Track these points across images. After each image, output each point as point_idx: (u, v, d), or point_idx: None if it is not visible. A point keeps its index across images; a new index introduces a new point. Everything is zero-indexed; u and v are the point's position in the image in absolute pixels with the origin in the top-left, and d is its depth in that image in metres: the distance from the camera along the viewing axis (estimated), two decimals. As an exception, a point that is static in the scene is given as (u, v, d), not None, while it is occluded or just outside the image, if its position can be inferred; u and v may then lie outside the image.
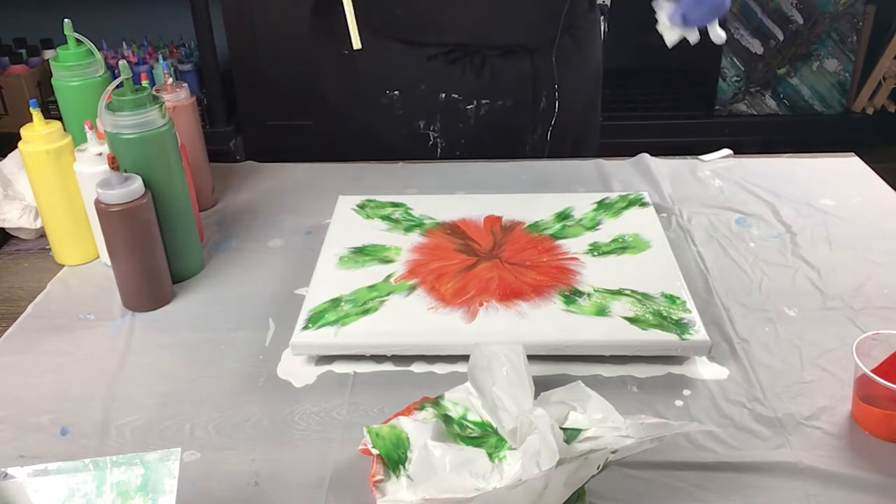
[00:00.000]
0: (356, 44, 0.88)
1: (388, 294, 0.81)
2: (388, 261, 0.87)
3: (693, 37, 0.98)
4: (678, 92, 2.51)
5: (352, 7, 0.87)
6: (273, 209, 1.05)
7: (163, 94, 0.94)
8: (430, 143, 1.16)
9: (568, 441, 0.58)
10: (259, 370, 0.76)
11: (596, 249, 0.89)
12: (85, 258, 0.94)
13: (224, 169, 1.15)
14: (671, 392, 0.73)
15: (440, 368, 0.76)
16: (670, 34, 0.97)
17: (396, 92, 1.14)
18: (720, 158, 1.17)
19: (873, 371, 0.67)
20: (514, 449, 0.60)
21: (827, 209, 1.03)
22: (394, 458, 0.59)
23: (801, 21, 2.30)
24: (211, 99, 2.33)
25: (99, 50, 0.92)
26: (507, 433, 0.61)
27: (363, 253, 0.89)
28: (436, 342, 0.76)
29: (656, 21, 0.97)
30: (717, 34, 0.99)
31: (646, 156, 1.15)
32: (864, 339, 0.69)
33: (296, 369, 0.76)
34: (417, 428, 0.61)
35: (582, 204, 0.98)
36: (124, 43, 2.39)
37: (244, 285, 0.89)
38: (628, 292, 0.81)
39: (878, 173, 1.12)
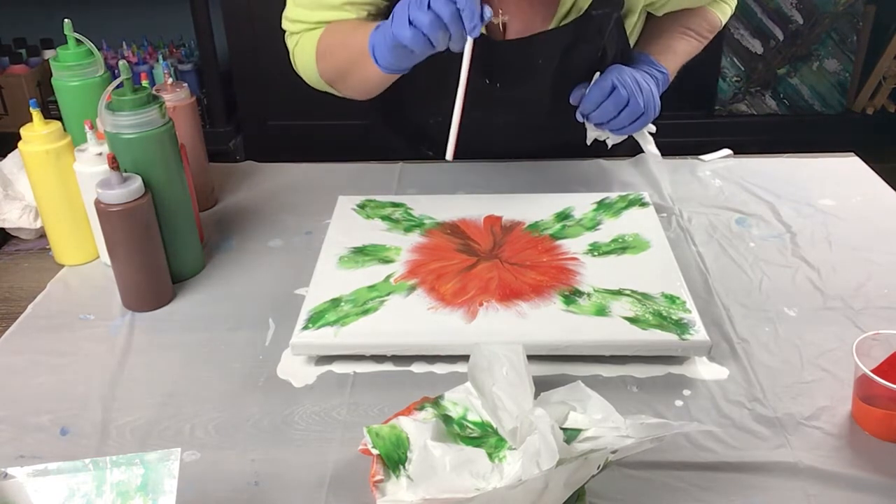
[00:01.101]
0: (449, 155, 0.90)
1: (388, 294, 0.81)
2: (388, 261, 0.87)
3: (610, 141, 1.05)
4: (678, 92, 2.50)
5: (459, 119, 0.89)
6: (273, 209, 1.05)
7: (163, 94, 0.94)
8: None
9: (568, 441, 0.58)
10: (259, 370, 0.76)
11: (596, 249, 0.89)
12: (85, 258, 0.94)
13: (224, 169, 1.15)
14: (671, 392, 0.73)
15: (440, 368, 0.76)
16: (589, 132, 1.04)
17: (430, 152, 1.18)
18: (720, 158, 1.17)
19: (873, 371, 0.67)
20: (514, 449, 0.60)
21: (827, 209, 1.03)
22: (394, 458, 0.59)
23: (801, 21, 2.30)
24: (211, 99, 2.33)
25: (99, 50, 0.92)
26: (507, 433, 0.61)
27: (363, 253, 0.89)
28: (436, 342, 0.75)
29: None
30: (651, 151, 1.06)
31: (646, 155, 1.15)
32: (864, 339, 0.69)
33: (296, 369, 0.76)
34: (417, 428, 0.61)
35: (582, 204, 0.98)
36: (124, 43, 2.39)
37: (244, 285, 0.89)
38: (628, 292, 0.81)
39: (878, 173, 1.12)
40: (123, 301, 0.85)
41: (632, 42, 1.07)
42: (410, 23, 0.82)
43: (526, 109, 1.09)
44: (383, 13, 1.04)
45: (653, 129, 1.07)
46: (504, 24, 0.99)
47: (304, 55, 1.05)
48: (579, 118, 1.02)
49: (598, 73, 0.99)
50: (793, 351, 0.77)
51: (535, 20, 0.99)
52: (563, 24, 0.99)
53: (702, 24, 1.12)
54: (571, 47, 0.99)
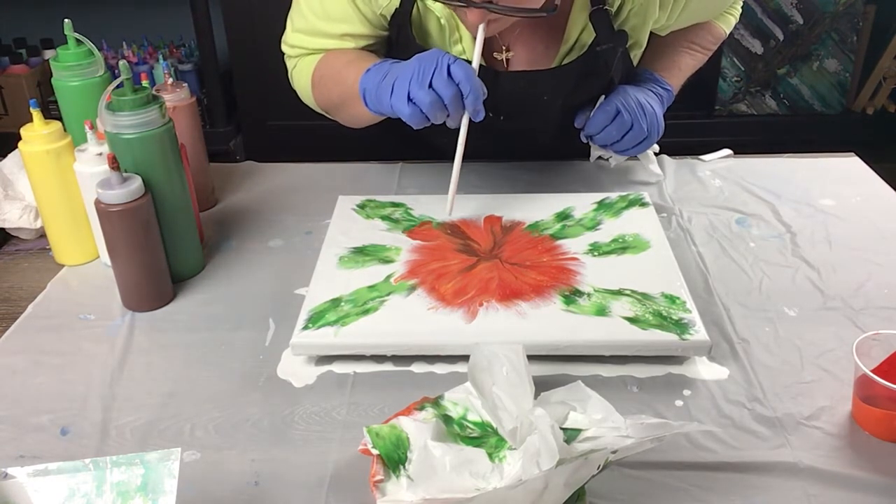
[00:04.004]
0: (448, 211, 0.94)
1: (388, 294, 0.81)
2: (388, 261, 0.87)
3: (613, 161, 1.08)
4: (678, 92, 2.50)
5: (457, 177, 0.92)
6: (273, 209, 1.05)
7: (163, 94, 0.94)
8: None
9: (568, 441, 0.58)
10: (259, 370, 0.76)
11: (596, 249, 0.89)
12: (85, 258, 0.94)
13: (224, 169, 1.16)
14: (671, 392, 0.73)
15: (440, 368, 0.76)
16: (593, 151, 1.07)
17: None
18: (720, 158, 1.17)
19: (873, 371, 0.67)
20: (514, 449, 0.60)
21: (827, 209, 1.03)
22: (394, 458, 0.59)
23: (801, 21, 2.30)
24: (211, 99, 2.33)
25: (99, 50, 0.92)
26: (507, 433, 0.61)
27: (363, 253, 0.89)
28: (436, 342, 0.75)
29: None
30: (653, 170, 1.10)
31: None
32: (864, 339, 0.69)
33: (296, 369, 0.76)
34: (417, 428, 0.61)
35: (582, 204, 0.98)
36: (124, 43, 2.39)
37: (244, 285, 0.89)
38: (628, 292, 0.81)
39: (878, 173, 1.12)
40: (123, 301, 0.85)
41: (636, 61, 1.06)
42: (410, 99, 0.82)
43: (530, 140, 1.09)
44: (383, 45, 1.03)
45: (656, 148, 1.09)
46: (508, 60, 0.99)
47: (302, 79, 1.05)
48: (583, 139, 1.02)
49: (602, 97, 1.00)
50: (793, 351, 0.77)
51: (540, 55, 0.98)
52: (566, 61, 0.98)
53: (706, 38, 1.12)
54: (577, 83, 0.99)
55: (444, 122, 0.85)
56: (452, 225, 0.94)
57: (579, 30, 0.95)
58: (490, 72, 0.96)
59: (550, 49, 0.98)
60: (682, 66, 1.10)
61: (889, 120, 2.44)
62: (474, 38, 0.85)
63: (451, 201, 0.94)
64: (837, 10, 2.28)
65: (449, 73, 0.81)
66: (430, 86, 0.81)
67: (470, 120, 0.86)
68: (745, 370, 0.75)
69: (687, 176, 1.12)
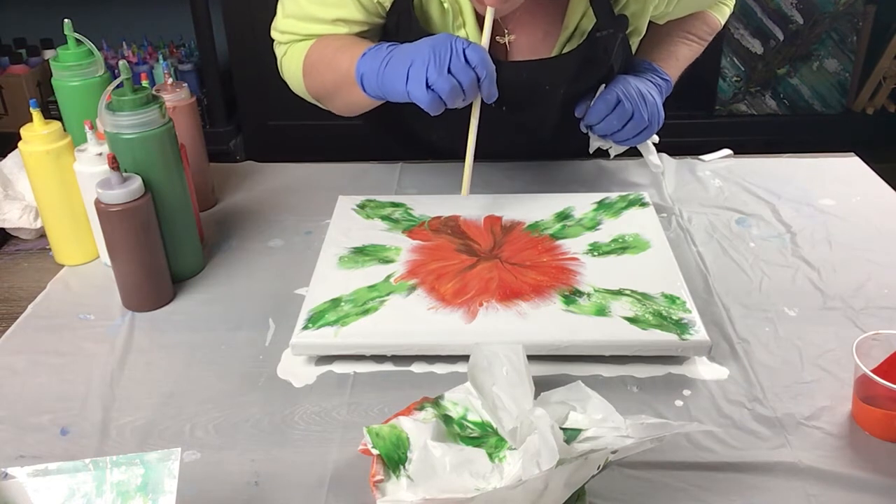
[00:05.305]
0: (464, 192, 0.93)
1: (388, 294, 0.81)
2: (388, 261, 0.87)
3: (613, 151, 1.07)
4: (678, 92, 2.49)
5: (472, 159, 0.92)
6: (273, 209, 1.05)
7: (163, 94, 0.94)
8: None
9: (568, 441, 0.58)
10: (259, 370, 0.76)
11: (596, 249, 0.89)
12: (85, 258, 0.94)
13: (224, 169, 1.15)
14: (671, 392, 0.73)
15: (440, 368, 0.76)
16: (592, 141, 1.05)
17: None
18: (720, 158, 1.17)
19: (873, 371, 0.67)
20: (514, 449, 0.60)
21: (827, 209, 1.03)
22: (394, 458, 0.59)
23: (801, 21, 2.29)
24: (211, 99, 2.33)
25: (99, 50, 0.92)
26: (507, 433, 0.61)
27: (363, 253, 0.89)
28: (436, 342, 0.75)
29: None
30: (652, 161, 1.09)
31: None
32: (864, 339, 0.69)
33: (296, 369, 0.76)
34: (417, 428, 0.61)
35: (582, 204, 0.98)
36: (124, 43, 2.39)
37: (244, 285, 0.89)
38: (628, 292, 0.81)
39: (878, 173, 1.12)
40: (123, 301, 0.85)
41: (635, 48, 1.07)
42: (429, 86, 0.81)
43: (532, 131, 1.09)
44: (377, 33, 1.02)
45: (656, 139, 1.08)
46: (509, 43, 0.99)
47: (292, 67, 1.03)
48: (583, 129, 1.02)
49: (603, 86, 0.99)
50: (793, 351, 0.77)
51: (540, 41, 0.98)
52: (566, 49, 0.98)
53: (702, 28, 1.12)
54: (578, 71, 0.98)
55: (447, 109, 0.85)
56: (453, 225, 0.94)
57: (579, 15, 0.95)
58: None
59: (550, 34, 0.98)
60: (679, 57, 1.10)
61: (889, 120, 2.43)
62: (479, 24, 0.84)
63: (467, 182, 0.93)
64: (837, 10, 2.28)
65: (465, 58, 0.81)
66: (449, 71, 0.81)
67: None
68: (745, 370, 0.75)
69: (687, 176, 1.12)
